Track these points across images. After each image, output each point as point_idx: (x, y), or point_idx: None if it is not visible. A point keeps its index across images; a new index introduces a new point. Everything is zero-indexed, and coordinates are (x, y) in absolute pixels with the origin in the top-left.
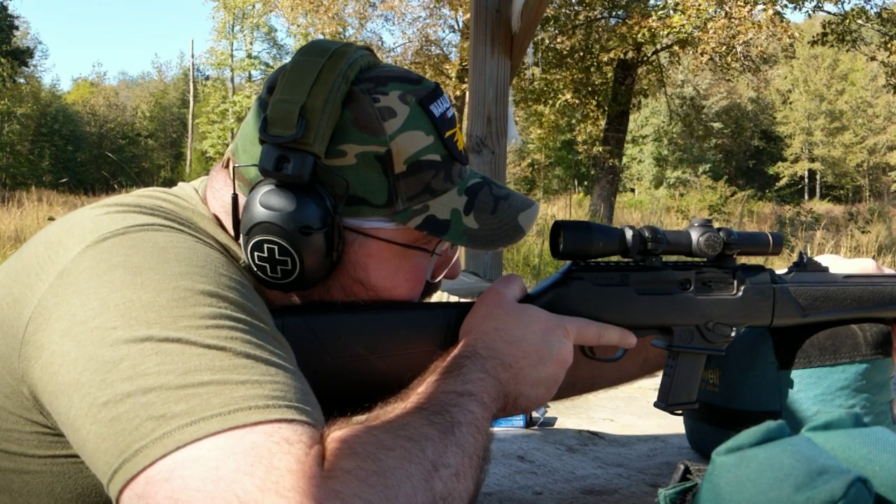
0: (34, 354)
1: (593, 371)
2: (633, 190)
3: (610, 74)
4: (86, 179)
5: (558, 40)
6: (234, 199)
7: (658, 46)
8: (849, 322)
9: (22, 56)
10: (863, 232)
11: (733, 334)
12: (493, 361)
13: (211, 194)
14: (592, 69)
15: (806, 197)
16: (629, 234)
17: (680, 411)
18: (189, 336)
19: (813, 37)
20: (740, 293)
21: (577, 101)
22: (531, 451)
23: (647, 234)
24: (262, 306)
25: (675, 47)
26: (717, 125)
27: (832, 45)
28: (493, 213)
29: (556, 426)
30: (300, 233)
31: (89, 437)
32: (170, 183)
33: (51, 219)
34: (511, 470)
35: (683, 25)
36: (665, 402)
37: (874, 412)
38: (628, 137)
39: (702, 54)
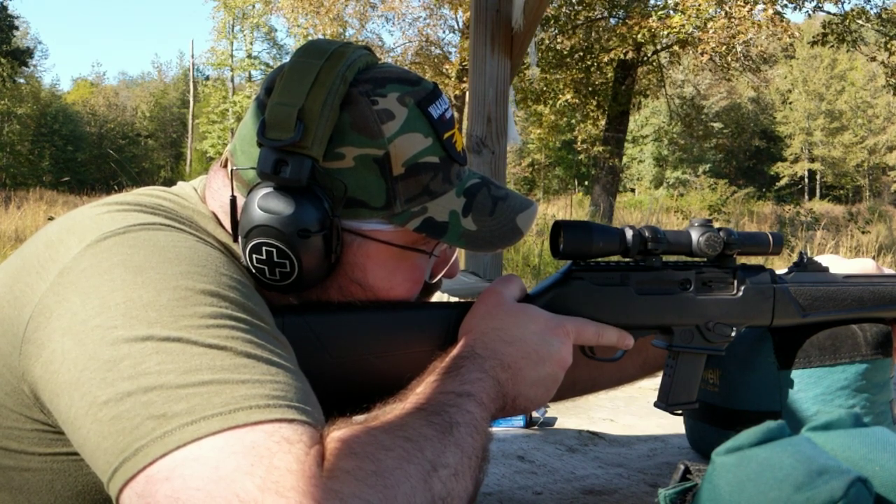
0: (35, 353)
1: (593, 371)
2: (633, 190)
3: (610, 74)
4: (86, 179)
5: (558, 40)
6: (233, 201)
7: (658, 46)
8: (849, 322)
9: (22, 56)
10: (863, 232)
11: (733, 334)
12: (491, 362)
13: (209, 194)
14: (592, 69)
15: (806, 197)
16: (629, 234)
17: (680, 411)
18: (190, 335)
19: (813, 37)
20: (740, 293)
21: (577, 101)
22: (531, 451)
23: (647, 234)
24: (262, 306)
25: (675, 47)
26: (717, 125)
27: (832, 46)
28: (492, 215)
29: (556, 426)
30: (299, 236)
31: (90, 435)
32: (170, 183)
33: (51, 218)
34: (511, 470)
35: (683, 25)
36: (665, 402)
37: (874, 412)
38: (628, 137)
39: (702, 54)
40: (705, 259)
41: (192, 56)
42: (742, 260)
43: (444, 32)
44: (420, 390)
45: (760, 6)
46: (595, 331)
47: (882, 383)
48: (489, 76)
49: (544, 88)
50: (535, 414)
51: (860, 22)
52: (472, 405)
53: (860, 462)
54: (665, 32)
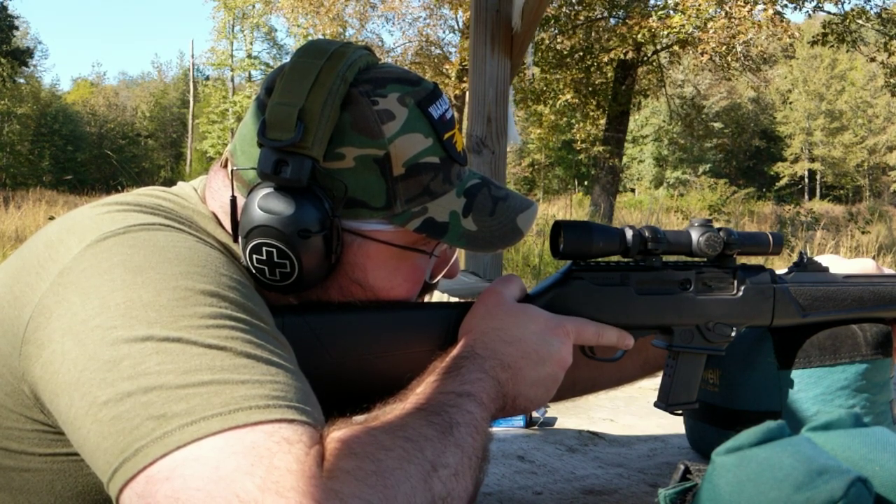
0: (35, 353)
1: (593, 372)
2: (633, 190)
3: (610, 74)
4: (86, 179)
5: (558, 40)
6: (233, 201)
7: (658, 46)
8: (849, 322)
9: (22, 56)
10: (863, 232)
11: (733, 334)
12: (491, 362)
13: (209, 194)
14: (592, 69)
15: (806, 197)
16: (629, 234)
17: (680, 411)
18: (189, 336)
19: (813, 37)
20: (740, 293)
21: (577, 101)
22: (531, 451)
23: (647, 234)
24: (262, 306)
25: (675, 47)
26: (717, 125)
27: (832, 46)
28: (492, 215)
29: (556, 426)
30: (299, 236)
31: (90, 436)
32: (170, 183)
33: (51, 218)
34: (511, 470)
35: (683, 25)
36: (665, 402)
37: (874, 412)
38: (628, 137)
39: (702, 54)
40: (705, 259)
41: (192, 56)
42: (742, 260)
43: (444, 32)
44: (420, 390)
45: (760, 6)
46: (595, 331)
47: (882, 383)
48: (489, 76)
49: (544, 88)
50: (535, 414)
51: (860, 22)
52: (472, 405)
53: (860, 462)
54: (665, 32)
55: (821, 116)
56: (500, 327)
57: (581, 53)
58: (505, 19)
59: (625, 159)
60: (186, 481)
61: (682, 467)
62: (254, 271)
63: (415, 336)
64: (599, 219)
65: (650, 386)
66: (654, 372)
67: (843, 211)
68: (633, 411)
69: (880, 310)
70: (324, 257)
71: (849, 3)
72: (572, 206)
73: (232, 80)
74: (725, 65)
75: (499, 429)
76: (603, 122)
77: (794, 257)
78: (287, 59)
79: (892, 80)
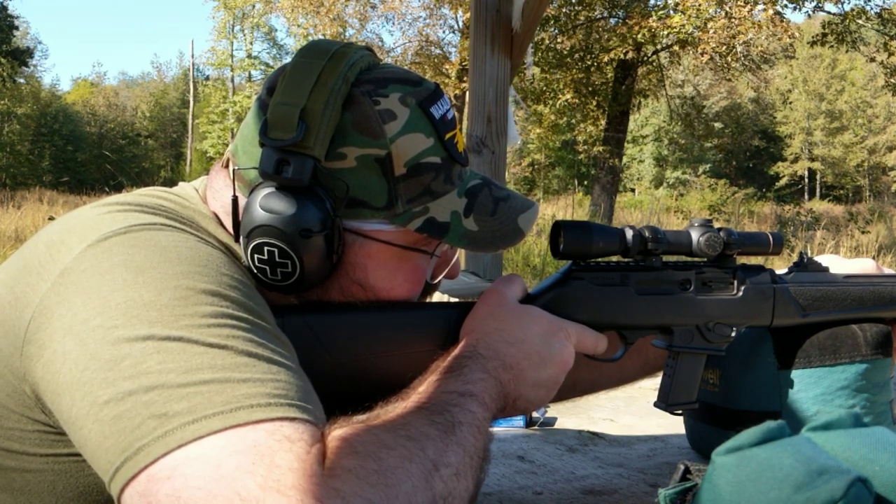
0: (36, 353)
1: (594, 372)
2: (633, 190)
3: (610, 74)
4: (86, 179)
5: (558, 40)
6: (235, 201)
7: (658, 46)
8: (849, 322)
9: (22, 56)
10: (863, 232)
11: (733, 334)
12: (494, 362)
13: (211, 194)
14: (592, 69)
15: (806, 197)
16: (629, 234)
17: (680, 411)
18: (191, 335)
19: (813, 37)
20: (740, 293)
21: (577, 101)
22: (531, 451)
23: (647, 234)
24: (263, 305)
25: (675, 47)
26: (717, 125)
27: (832, 46)
28: (493, 215)
29: (556, 426)
30: (300, 236)
31: (91, 435)
32: (170, 183)
33: (51, 218)
34: (511, 470)
35: (683, 25)
36: (665, 402)
37: (874, 412)
38: (628, 137)
39: (702, 54)
40: (705, 259)
41: (192, 56)
42: (742, 260)
43: (444, 32)
44: (422, 389)
45: (760, 6)
46: (594, 340)
47: (882, 383)
48: (489, 76)
49: (544, 88)
50: (535, 414)
51: (860, 22)
52: (474, 405)
53: (860, 462)
54: (665, 32)
55: (821, 116)
56: (502, 328)
57: (581, 53)
58: (505, 19)
59: (625, 159)
60: (188, 480)
61: (682, 467)
62: (255, 271)
63: (415, 336)
64: (599, 219)
65: (650, 386)
66: (654, 372)
67: (843, 211)
68: (633, 411)
69: (880, 310)
70: (325, 257)
71: (849, 3)
72: (572, 206)
73: (232, 80)
74: (725, 65)
75: (499, 429)
76: (603, 122)
77: (794, 257)
78: (287, 59)
79: (892, 80)
